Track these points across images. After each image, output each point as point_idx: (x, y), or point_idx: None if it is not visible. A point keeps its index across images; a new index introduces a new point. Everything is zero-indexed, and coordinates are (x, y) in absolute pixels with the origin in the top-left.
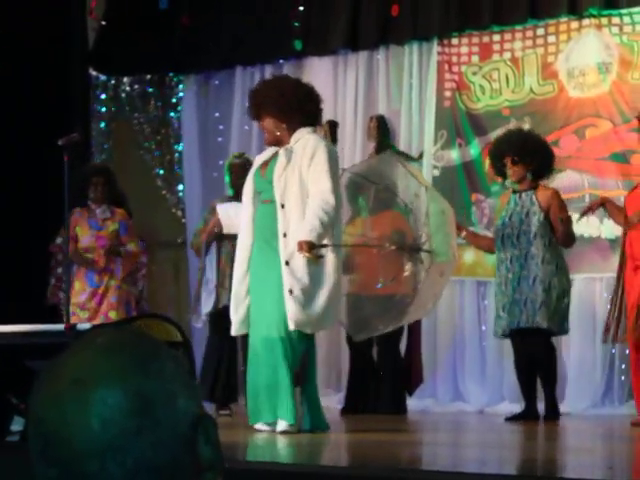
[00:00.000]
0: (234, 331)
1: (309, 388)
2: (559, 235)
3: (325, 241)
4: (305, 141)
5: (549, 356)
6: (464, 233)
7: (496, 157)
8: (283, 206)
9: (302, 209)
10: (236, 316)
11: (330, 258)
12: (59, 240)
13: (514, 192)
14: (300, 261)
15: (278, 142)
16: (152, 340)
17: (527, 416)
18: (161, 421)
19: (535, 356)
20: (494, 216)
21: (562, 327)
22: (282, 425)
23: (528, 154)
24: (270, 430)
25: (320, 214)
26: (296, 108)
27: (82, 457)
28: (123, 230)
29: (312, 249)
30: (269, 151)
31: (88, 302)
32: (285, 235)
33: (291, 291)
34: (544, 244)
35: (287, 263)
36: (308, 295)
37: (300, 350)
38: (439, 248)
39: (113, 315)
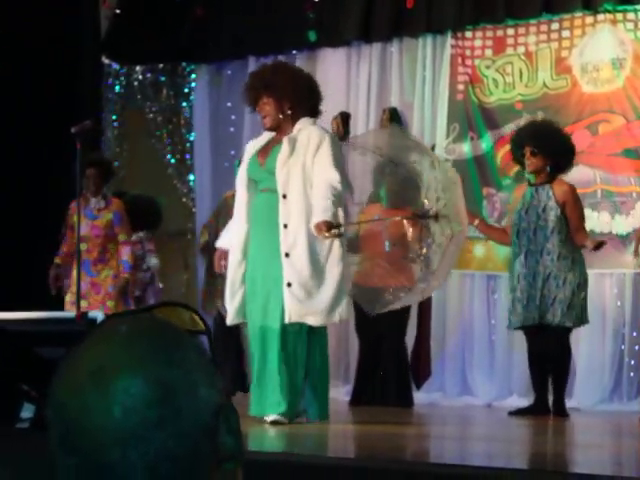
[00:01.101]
0: (230, 320)
1: (314, 380)
2: (575, 233)
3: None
4: (309, 132)
5: (562, 354)
6: (477, 222)
7: (516, 145)
8: (285, 197)
9: (304, 200)
10: (232, 305)
11: (334, 249)
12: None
13: (530, 185)
14: (301, 253)
15: (278, 127)
16: (173, 328)
17: (537, 410)
18: (183, 410)
19: (548, 353)
20: (508, 209)
21: (580, 319)
22: (271, 416)
23: (549, 147)
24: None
25: (330, 196)
26: (306, 97)
27: (103, 446)
28: (117, 220)
29: (331, 229)
30: (263, 138)
31: (87, 291)
32: (286, 226)
33: (289, 284)
34: (560, 240)
35: (287, 255)
36: (308, 287)
37: (300, 343)
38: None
39: (110, 304)
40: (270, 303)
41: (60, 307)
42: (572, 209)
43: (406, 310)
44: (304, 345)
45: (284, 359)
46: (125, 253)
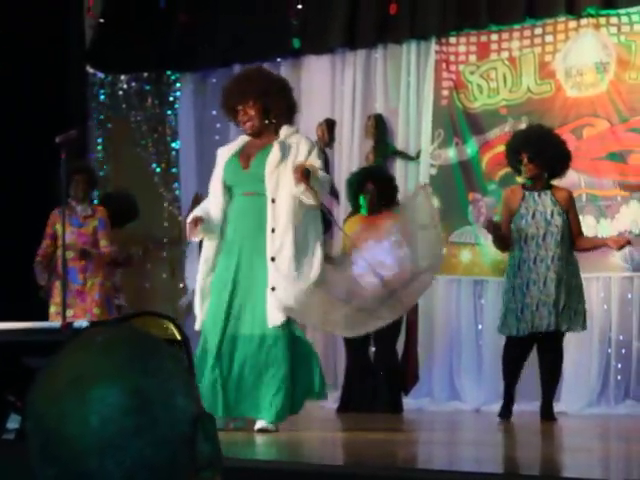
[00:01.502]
0: (198, 326)
1: (304, 365)
2: (578, 237)
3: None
4: (298, 139)
5: (561, 360)
6: (486, 222)
7: (512, 151)
8: (274, 201)
9: (292, 206)
10: (201, 311)
11: (316, 254)
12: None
13: (527, 189)
14: (286, 257)
15: (260, 133)
16: (150, 338)
17: (509, 414)
18: (160, 419)
19: (549, 359)
20: (495, 212)
21: (584, 325)
22: (261, 423)
23: (546, 153)
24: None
25: (322, 177)
26: (291, 105)
27: (81, 455)
28: (101, 226)
29: (307, 178)
30: (237, 143)
31: (73, 300)
32: (274, 230)
33: (274, 288)
34: (568, 246)
35: (273, 259)
36: (290, 291)
37: (288, 346)
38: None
39: (97, 311)
40: (255, 307)
41: (44, 317)
42: (574, 214)
43: (396, 322)
44: (287, 349)
45: (269, 362)
46: (102, 261)
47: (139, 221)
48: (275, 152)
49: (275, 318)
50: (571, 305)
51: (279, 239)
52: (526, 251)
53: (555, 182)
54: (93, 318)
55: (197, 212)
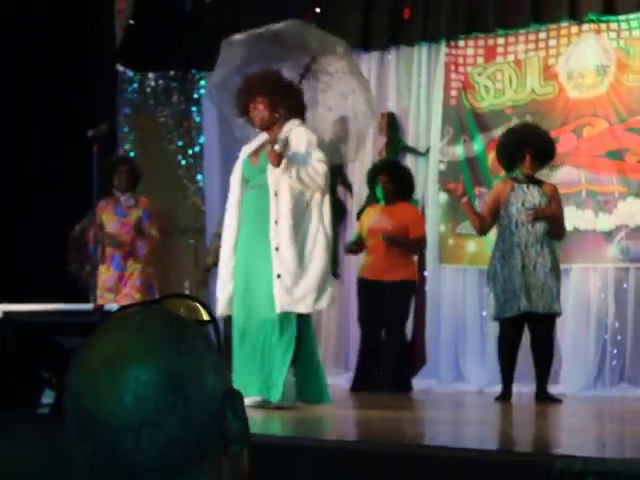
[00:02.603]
0: (220, 312)
1: (305, 365)
2: (557, 227)
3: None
4: (297, 132)
5: (552, 342)
6: (465, 199)
7: (514, 148)
8: (276, 194)
9: (294, 198)
10: (222, 296)
11: (319, 241)
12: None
13: (518, 182)
14: (289, 246)
15: (269, 128)
16: (182, 319)
17: (508, 396)
18: (191, 397)
19: (542, 339)
20: (490, 201)
21: (560, 307)
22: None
23: (547, 152)
24: (255, 404)
25: (304, 174)
26: (297, 100)
27: (116, 433)
28: (145, 217)
29: (280, 156)
30: (257, 141)
31: (115, 285)
32: (277, 222)
33: (279, 276)
34: (551, 234)
35: (277, 249)
36: (296, 278)
37: (291, 331)
38: None
39: (138, 296)
40: (265, 296)
41: (83, 299)
42: (558, 205)
43: (409, 302)
44: (294, 333)
45: (280, 346)
46: (150, 245)
47: (165, 210)
48: (280, 143)
49: (283, 304)
50: (559, 289)
51: (282, 230)
52: (517, 236)
53: (555, 177)
54: (132, 302)
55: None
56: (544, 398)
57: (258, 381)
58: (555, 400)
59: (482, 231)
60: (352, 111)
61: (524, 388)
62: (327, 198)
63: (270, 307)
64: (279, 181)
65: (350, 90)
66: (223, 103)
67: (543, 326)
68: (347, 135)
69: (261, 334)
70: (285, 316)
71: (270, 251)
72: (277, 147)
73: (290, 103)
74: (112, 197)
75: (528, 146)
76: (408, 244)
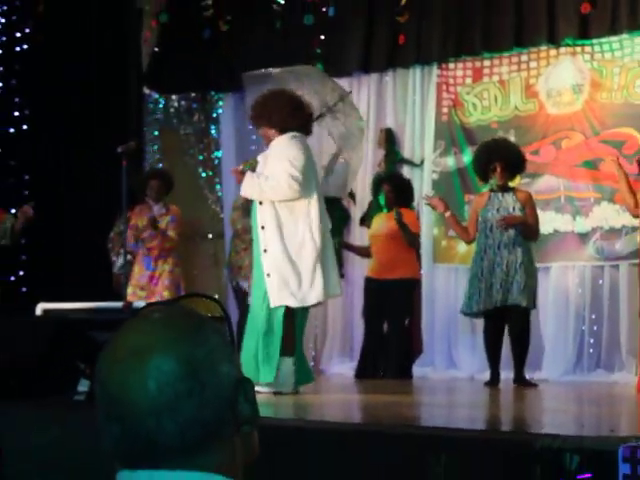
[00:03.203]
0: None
1: (298, 351)
2: (529, 229)
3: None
4: (277, 142)
5: (528, 330)
6: (448, 213)
7: (484, 161)
8: (261, 203)
9: (276, 205)
10: None
11: (307, 241)
12: (114, 232)
13: (493, 191)
14: (276, 248)
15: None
16: (198, 315)
17: (495, 382)
18: (208, 384)
19: (515, 330)
20: (472, 214)
21: (535, 303)
22: (263, 387)
23: (515, 163)
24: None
25: (266, 187)
26: (291, 117)
27: (140, 416)
28: (171, 221)
29: (241, 173)
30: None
31: (146, 283)
32: (263, 227)
33: (269, 274)
34: (524, 235)
35: (265, 251)
36: (284, 276)
37: (282, 323)
38: None
39: (167, 294)
40: (259, 292)
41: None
42: (532, 210)
43: (411, 298)
44: (281, 325)
45: (272, 336)
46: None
47: (187, 217)
48: (260, 162)
49: (273, 300)
50: (530, 285)
51: (269, 234)
52: (491, 238)
53: (536, 185)
54: (161, 299)
55: None
56: (520, 382)
57: (257, 369)
58: (530, 384)
59: (469, 241)
60: (347, 153)
61: (511, 374)
62: (314, 204)
63: (262, 303)
64: None
65: (350, 134)
66: None
67: (518, 319)
68: (335, 171)
69: (255, 327)
70: (274, 310)
71: (261, 254)
72: (240, 167)
73: (285, 121)
74: (146, 205)
75: (498, 159)
76: (409, 232)
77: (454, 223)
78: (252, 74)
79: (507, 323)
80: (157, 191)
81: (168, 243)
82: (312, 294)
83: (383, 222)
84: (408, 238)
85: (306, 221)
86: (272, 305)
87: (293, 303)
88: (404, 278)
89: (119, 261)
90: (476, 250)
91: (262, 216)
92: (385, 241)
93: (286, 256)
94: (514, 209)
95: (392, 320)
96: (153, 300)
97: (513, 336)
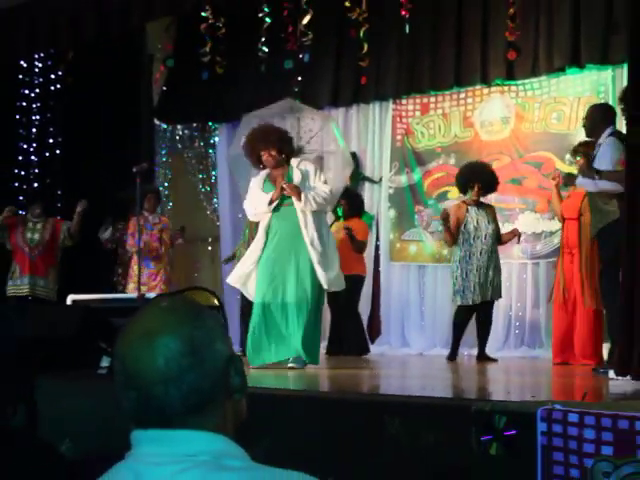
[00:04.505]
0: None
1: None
2: (500, 237)
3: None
4: (305, 164)
5: (491, 318)
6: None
7: (466, 180)
8: (302, 211)
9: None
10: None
11: (331, 238)
12: (106, 234)
13: (469, 205)
14: (316, 244)
15: (276, 166)
16: (197, 304)
17: (453, 357)
18: (205, 359)
19: (484, 318)
20: (435, 217)
21: (500, 295)
22: (299, 363)
23: (491, 184)
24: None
25: (319, 199)
26: (294, 146)
27: (151, 385)
28: (164, 228)
29: (298, 194)
30: (263, 175)
31: (148, 279)
32: (306, 227)
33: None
34: (497, 243)
35: (311, 244)
36: (327, 264)
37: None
38: None
39: (163, 287)
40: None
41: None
42: (496, 221)
43: (358, 291)
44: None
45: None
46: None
47: (190, 224)
48: (297, 175)
49: (323, 282)
50: (499, 282)
51: (311, 232)
52: (474, 246)
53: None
54: (160, 292)
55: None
56: (483, 358)
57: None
58: (491, 359)
59: (451, 244)
60: (333, 171)
61: (472, 351)
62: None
63: (311, 290)
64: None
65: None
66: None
67: (487, 309)
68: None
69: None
70: (319, 291)
71: (303, 246)
72: (293, 187)
73: (289, 147)
74: (142, 216)
75: (477, 179)
76: (357, 242)
77: (446, 231)
78: (250, 114)
79: (477, 313)
80: (153, 204)
81: (163, 246)
82: (342, 280)
83: (340, 230)
84: (355, 246)
85: (327, 225)
86: (326, 287)
87: (336, 287)
88: (352, 275)
89: (107, 233)
90: (460, 255)
91: (304, 220)
92: (340, 246)
93: (322, 250)
94: (488, 222)
95: (347, 308)
96: (156, 292)
97: (481, 323)
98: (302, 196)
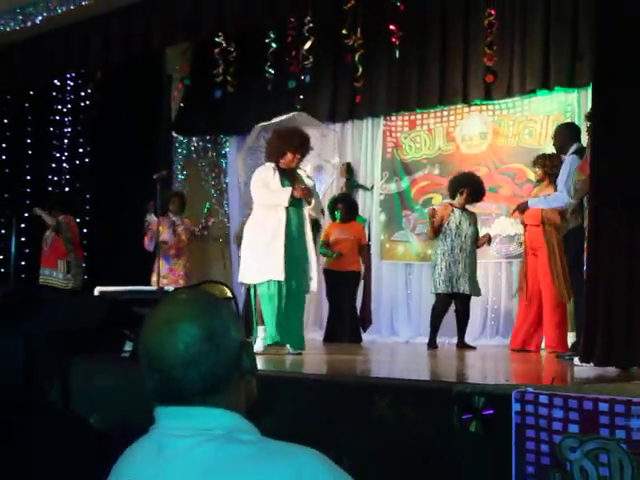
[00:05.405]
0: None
1: None
2: (478, 239)
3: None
4: (302, 170)
5: (468, 309)
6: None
7: (457, 186)
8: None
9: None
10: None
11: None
12: (152, 217)
13: (455, 207)
14: (311, 245)
15: (296, 168)
16: (213, 295)
17: (433, 345)
18: (221, 345)
19: (462, 309)
20: (421, 221)
21: (478, 289)
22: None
23: (479, 193)
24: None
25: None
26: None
27: (172, 368)
28: (184, 228)
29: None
30: (272, 166)
31: (167, 274)
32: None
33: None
34: (476, 243)
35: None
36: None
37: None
38: None
39: (182, 282)
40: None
41: (147, 283)
42: (477, 227)
43: (356, 286)
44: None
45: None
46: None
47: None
48: (308, 181)
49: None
50: (476, 281)
51: (309, 235)
52: (457, 242)
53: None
54: (178, 285)
55: None
56: (463, 346)
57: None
58: (470, 347)
59: (432, 238)
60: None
61: (452, 340)
62: None
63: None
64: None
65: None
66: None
67: (465, 302)
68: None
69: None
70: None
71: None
72: (309, 192)
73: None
74: (166, 216)
75: (467, 186)
76: (364, 253)
77: (431, 225)
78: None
79: (456, 304)
80: (178, 206)
81: (181, 244)
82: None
83: (341, 230)
84: (363, 253)
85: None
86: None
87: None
88: (353, 271)
89: (152, 216)
90: (442, 249)
91: (307, 219)
92: (346, 245)
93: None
94: (470, 223)
95: (345, 300)
96: (175, 286)
97: (460, 313)
98: (312, 201)
